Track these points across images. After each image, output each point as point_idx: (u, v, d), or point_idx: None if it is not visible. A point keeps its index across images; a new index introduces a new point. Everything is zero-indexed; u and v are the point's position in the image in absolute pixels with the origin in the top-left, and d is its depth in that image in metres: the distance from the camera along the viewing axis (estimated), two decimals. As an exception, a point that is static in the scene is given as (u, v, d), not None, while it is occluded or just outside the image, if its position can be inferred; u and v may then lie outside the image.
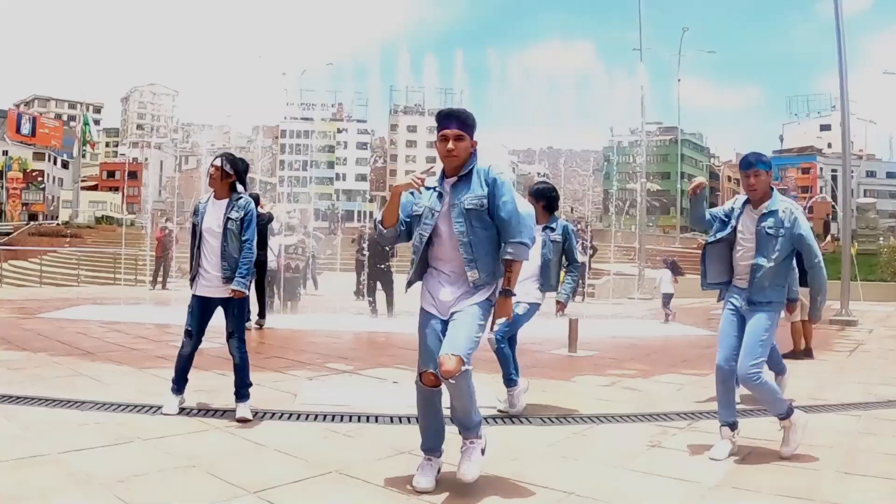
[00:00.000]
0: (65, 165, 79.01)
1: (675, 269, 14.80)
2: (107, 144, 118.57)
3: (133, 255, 26.04)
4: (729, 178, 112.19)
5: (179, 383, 5.57)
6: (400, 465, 4.29)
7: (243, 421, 5.26)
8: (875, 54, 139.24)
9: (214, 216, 5.43)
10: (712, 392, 6.57)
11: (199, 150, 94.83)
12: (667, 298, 14.51)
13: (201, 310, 5.51)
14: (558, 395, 6.43)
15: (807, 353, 9.33)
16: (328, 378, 7.36)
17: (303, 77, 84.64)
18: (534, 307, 5.82)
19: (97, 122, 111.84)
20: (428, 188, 3.92)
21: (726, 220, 4.74)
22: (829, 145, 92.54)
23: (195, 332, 5.51)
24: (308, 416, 5.55)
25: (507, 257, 3.84)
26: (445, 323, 3.85)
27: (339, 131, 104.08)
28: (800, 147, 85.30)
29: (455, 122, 3.85)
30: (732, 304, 4.68)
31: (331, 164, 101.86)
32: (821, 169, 79.75)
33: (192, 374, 5.65)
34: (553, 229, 5.86)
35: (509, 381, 5.75)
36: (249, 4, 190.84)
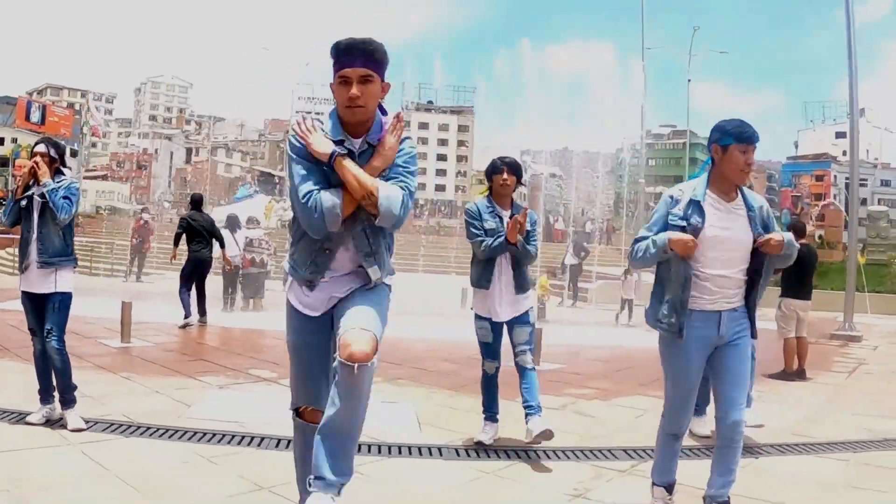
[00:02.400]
0: (73, 154, 78.64)
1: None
2: (118, 135, 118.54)
3: (111, 244, 25.31)
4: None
5: (43, 392, 4.98)
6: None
7: (77, 431, 4.72)
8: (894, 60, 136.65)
9: (38, 204, 4.96)
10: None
11: (209, 143, 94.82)
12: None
13: (32, 305, 5.01)
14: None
15: (799, 374, 8.33)
16: (241, 387, 6.50)
17: (314, 70, 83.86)
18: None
19: (109, 112, 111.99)
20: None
21: (683, 221, 3.40)
22: (844, 153, 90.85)
23: (37, 328, 4.99)
24: (186, 433, 4.78)
25: None
26: None
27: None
28: (815, 154, 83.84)
29: (361, 58, 2.73)
30: (699, 333, 3.41)
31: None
32: (835, 176, 78.07)
33: (84, 375, 5.15)
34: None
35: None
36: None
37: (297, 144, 2.76)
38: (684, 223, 3.37)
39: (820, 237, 30.33)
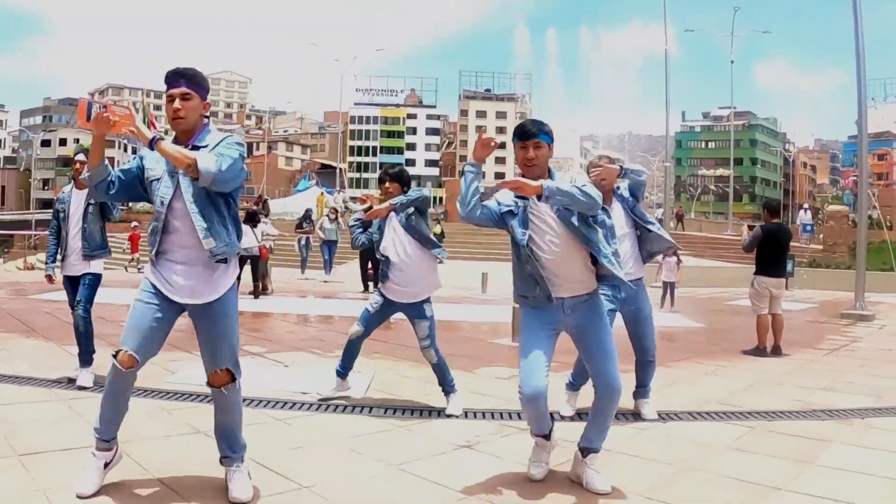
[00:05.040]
0: (134, 152, 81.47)
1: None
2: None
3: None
4: (805, 165, 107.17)
5: (82, 356, 5.93)
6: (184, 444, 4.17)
7: (83, 388, 5.63)
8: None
9: (77, 204, 6.09)
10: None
11: (272, 136, 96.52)
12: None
13: (73, 287, 6.08)
14: (437, 387, 5.96)
15: (775, 351, 8.54)
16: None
17: (361, 63, 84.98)
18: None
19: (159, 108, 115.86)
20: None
21: (508, 207, 3.79)
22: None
23: (74, 304, 6.05)
24: (160, 393, 5.59)
25: None
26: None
27: (409, 117, 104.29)
28: (876, 132, 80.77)
29: (183, 81, 3.48)
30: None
31: (400, 150, 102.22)
32: (898, 154, 75.28)
33: (99, 350, 5.86)
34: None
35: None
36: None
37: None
38: (511, 207, 3.77)
39: (869, 216, 29.56)
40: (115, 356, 3.44)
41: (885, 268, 19.02)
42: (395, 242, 5.25)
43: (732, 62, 43.98)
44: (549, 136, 3.74)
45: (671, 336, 10.50)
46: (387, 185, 5.42)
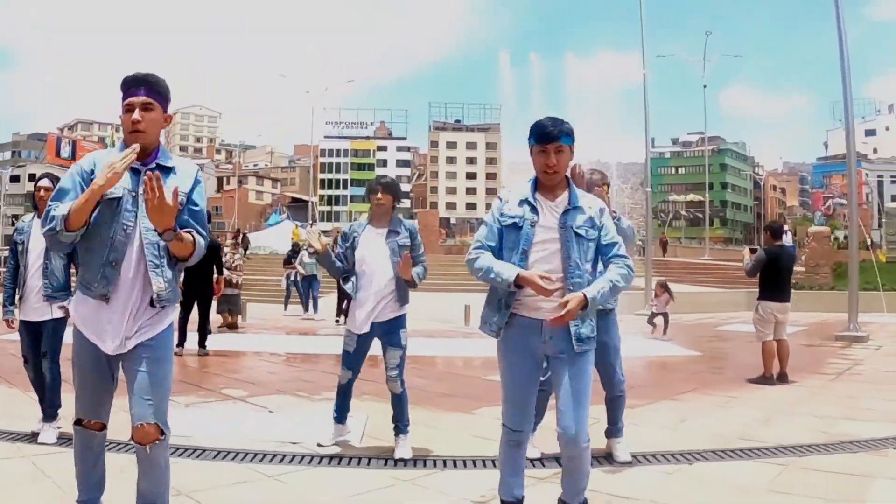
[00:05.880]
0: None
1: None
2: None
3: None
4: (774, 188, 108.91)
5: (46, 409, 5.29)
6: None
7: (45, 444, 5.03)
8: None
9: (39, 236, 5.09)
10: (631, 428, 5.70)
11: (242, 170, 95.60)
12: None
13: (30, 334, 5.29)
14: (435, 432, 5.55)
15: (781, 378, 8.20)
16: (209, 405, 6.66)
17: (333, 95, 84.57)
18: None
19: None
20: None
21: (512, 220, 3.30)
22: (875, 150, 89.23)
23: (30, 355, 5.32)
24: (126, 446, 4.69)
25: None
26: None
27: (379, 149, 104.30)
28: (844, 153, 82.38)
29: (144, 89, 3.01)
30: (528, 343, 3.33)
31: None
32: (866, 175, 76.81)
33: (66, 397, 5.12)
34: (398, 232, 5.01)
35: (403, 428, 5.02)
36: (272, 24, 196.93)
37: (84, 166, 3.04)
38: (516, 220, 3.28)
39: (845, 237, 29.84)
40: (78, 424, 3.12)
41: (868, 287, 18.91)
42: (376, 255, 4.93)
43: (705, 87, 44.43)
44: (570, 138, 3.26)
45: (670, 365, 10.16)
46: (379, 195, 4.99)
